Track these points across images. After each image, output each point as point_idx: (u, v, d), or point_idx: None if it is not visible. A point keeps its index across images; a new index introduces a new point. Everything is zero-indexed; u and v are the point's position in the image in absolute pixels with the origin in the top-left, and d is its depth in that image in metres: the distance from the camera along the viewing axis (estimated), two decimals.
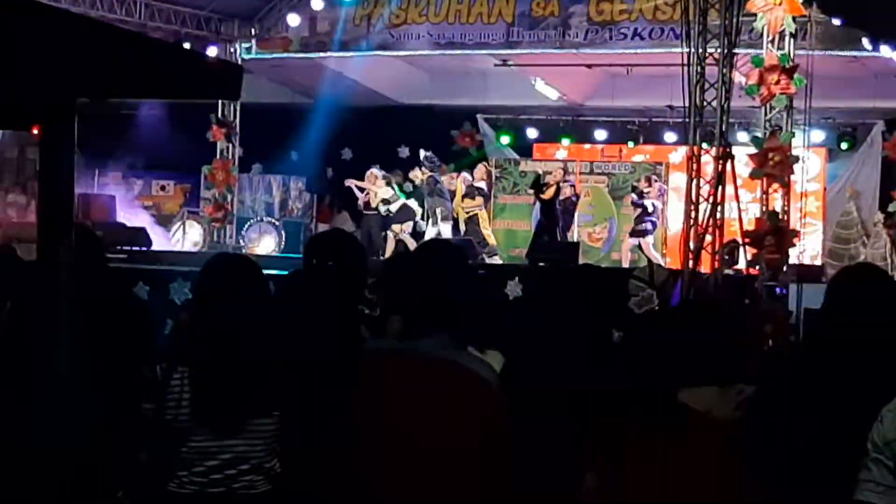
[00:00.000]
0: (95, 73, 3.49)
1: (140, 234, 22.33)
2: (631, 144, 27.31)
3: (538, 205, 23.65)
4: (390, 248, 23.52)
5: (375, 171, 24.29)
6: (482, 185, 24.53)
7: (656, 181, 24.72)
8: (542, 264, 20.49)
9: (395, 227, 23.71)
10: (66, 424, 4.27)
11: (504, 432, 4.65)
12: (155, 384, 5.48)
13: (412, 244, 23.40)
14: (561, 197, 23.52)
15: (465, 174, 25.05)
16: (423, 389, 4.68)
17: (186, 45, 24.88)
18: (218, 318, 5.46)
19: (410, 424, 4.64)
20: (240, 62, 26.40)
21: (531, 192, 24.01)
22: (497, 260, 23.56)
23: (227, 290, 5.50)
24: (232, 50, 26.45)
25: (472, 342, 5.23)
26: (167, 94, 4.34)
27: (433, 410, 4.63)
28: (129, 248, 21.39)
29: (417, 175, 24.48)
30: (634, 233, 23.87)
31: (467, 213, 24.09)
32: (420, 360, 4.72)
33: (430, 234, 23.36)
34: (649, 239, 23.65)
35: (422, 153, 24.71)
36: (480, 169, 24.95)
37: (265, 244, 25.71)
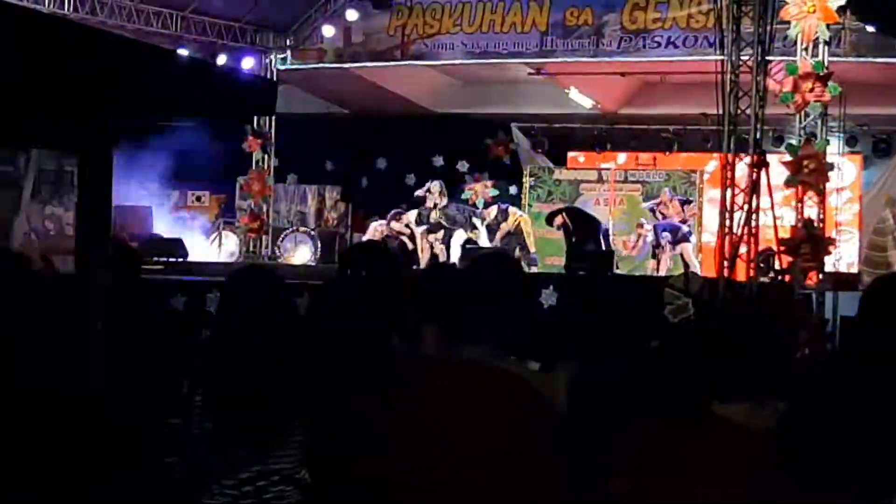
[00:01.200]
0: (133, 94, 3.55)
1: (176, 245, 22.46)
2: (667, 152, 27.27)
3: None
4: (425, 257, 23.60)
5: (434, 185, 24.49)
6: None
7: (673, 197, 24.62)
8: (581, 273, 20.49)
9: (430, 236, 23.80)
10: (95, 435, 4.31)
11: (549, 438, 4.66)
12: (183, 398, 5.52)
13: (445, 253, 23.50)
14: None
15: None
16: (466, 396, 4.70)
17: (222, 57, 25.09)
18: (239, 337, 5.48)
19: (451, 431, 4.66)
20: (275, 73, 26.56)
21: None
22: (534, 269, 23.59)
23: (248, 307, 5.52)
24: (267, 61, 26.57)
25: (515, 353, 5.27)
26: (204, 112, 4.38)
27: (475, 416, 4.65)
28: (165, 259, 21.50)
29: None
30: (677, 241, 23.76)
31: (514, 220, 24.12)
32: (464, 366, 4.75)
33: (460, 239, 23.48)
34: (688, 245, 23.59)
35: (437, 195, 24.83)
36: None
37: (301, 254, 25.78)
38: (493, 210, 24.29)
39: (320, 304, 6.45)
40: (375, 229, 24.62)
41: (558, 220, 23.56)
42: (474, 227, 23.98)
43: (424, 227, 24.03)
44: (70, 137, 3.67)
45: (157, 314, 7.00)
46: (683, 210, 24.51)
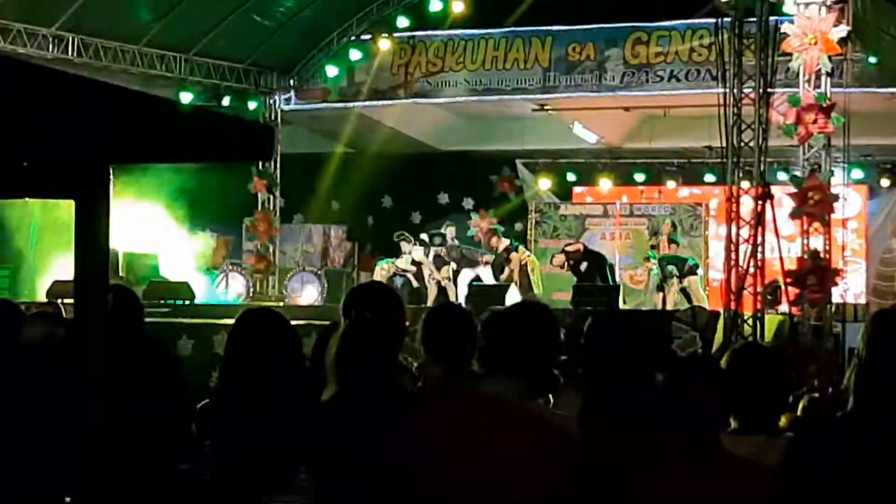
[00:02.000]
0: (128, 140, 3.56)
1: (183, 288, 22.45)
2: (671, 185, 27.27)
3: None
4: (432, 294, 23.62)
5: (405, 244, 24.51)
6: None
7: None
8: (587, 308, 20.46)
9: (439, 273, 23.84)
10: (99, 482, 4.30)
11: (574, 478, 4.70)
12: (191, 443, 5.51)
13: (453, 290, 23.49)
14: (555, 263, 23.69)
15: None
16: (492, 434, 4.74)
17: (227, 99, 25.18)
18: (245, 385, 5.46)
19: (477, 466, 4.69)
20: (279, 113, 26.67)
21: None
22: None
23: (254, 350, 5.51)
24: (271, 102, 26.68)
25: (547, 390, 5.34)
26: (199, 157, 4.39)
27: (499, 452, 4.69)
28: (172, 302, 21.51)
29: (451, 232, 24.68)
30: (685, 273, 23.70)
31: (521, 261, 24.13)
32: (489, 403, 4.79)
33: (467, 277, 23.49)
34: (695, 278, 23.55)
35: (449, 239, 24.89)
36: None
37: (308, 294, 25.77)
38: (502, 246, 24.28)
39: (324, 346, 6.42)
40: (381, 269, 24.65)
41: (558, 258, 23.59)
42: (478, 265, 23.99)
43: (432, 263, 24.03)
44: (65, 185, 3.68)
45: (163, 359, 6.96)
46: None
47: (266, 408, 5.43)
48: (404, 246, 24.33)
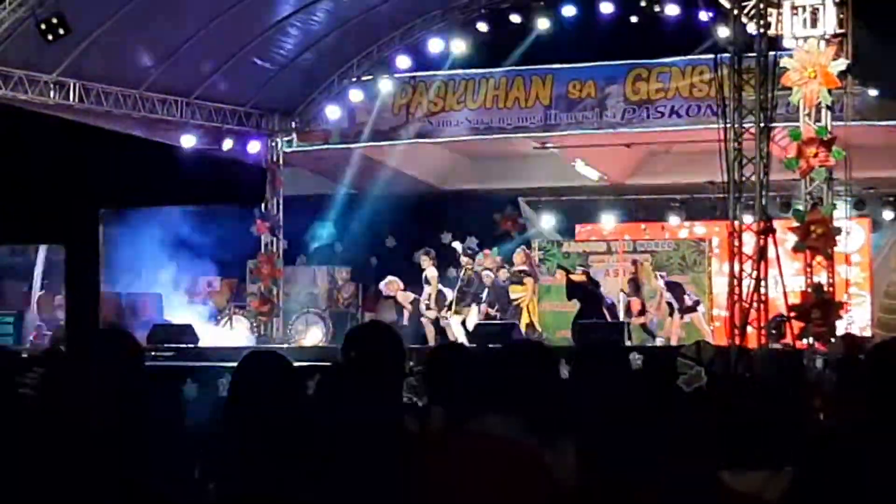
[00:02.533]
0: (117, 184, 3.56)
1: (187, 332, 22.44)
2: (674, 221, 27.24)
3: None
4: (430, 333, 23.64)
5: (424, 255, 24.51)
6: (523, 267, 24.49)
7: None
8: (590, 346, 20.43)
9: (430, 312, 23.86)
10: None
11: None
12: (195, 486, 5.48)
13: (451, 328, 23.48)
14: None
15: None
16: (485, 471, 4.72)
17: (228, 141, 25.23)
18: (247, 429, 5.43)
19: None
20: (281, 156, 26.73)
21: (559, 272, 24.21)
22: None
23: (257, 393, 5.49)
24: (273, 144, 26.75)
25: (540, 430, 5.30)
26: (190, 200, 4.40)
27: (495, 492, 4.66)
28: (176, 345, 21.49)
29: (467, 262, 24.60)
30: (685, 310, 23.68)
31: (515, 301, 24.10)
32: (486, 441, 4.78)
33: (472, 318, 23.47)
34: (699, 312, 23.53)
35: (458, 245, 24.89)
36: (519, 254, 24.86)
37: (312, 335, 25.75)
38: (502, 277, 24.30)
39: (326, 388, 6.40)
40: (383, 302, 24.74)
41: (579, 275, 23.58)
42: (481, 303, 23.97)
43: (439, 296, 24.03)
44: (54, 230, 3.68)
45: (164, 402, 6.91)
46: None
47: (267, 451, 5.41)
48: (424, 261, 24.31)
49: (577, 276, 23.50)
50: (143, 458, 5.94)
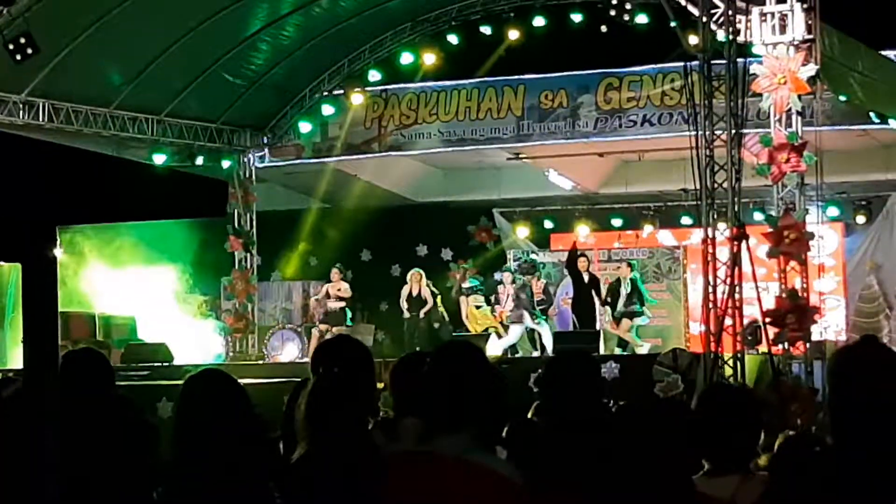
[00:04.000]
0: (74, 200, 3.51)
1: (161, 350, 22.35)
2: (649, 229, 27.27)
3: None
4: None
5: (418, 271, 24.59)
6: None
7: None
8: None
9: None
10: None
11: None
12: None
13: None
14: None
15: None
16: (443, 491, 4.65)
17: (200, 158, 25.15)
18: (196, 449, 5.35)
19: None
20: (253, 171, 26.66)
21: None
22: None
23: (205, 417, 5.38)
24: (245, 160, 26.67)
25: (496, 443, 5.23)
26: (149, 215, 4.34)
27: None
28: (150, 364, 21.39)
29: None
30: (627, 314, 23.58)
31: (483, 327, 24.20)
32: (439, 461, 4.70)
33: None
34: (637, 321, 23.46)
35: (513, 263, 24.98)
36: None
37: (288, 351, 25.66)
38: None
39: (295, 404, 6.34)
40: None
41: (583, 261, 23.51)
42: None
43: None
44: (10, 248, 3.62)
45: (133, 422, 6.83)
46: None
47: (224, 473, 5.33)
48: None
49: (582, 263, 23.39)
50: (107, 479, 5.89)
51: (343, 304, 24.42)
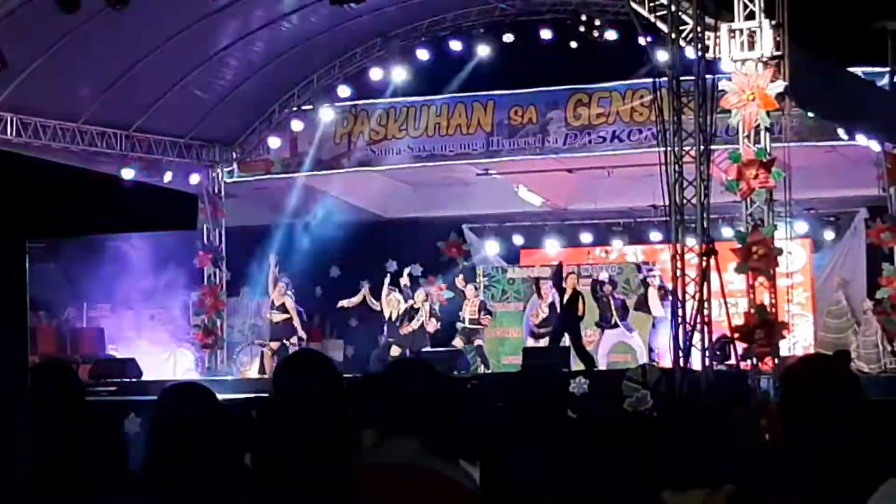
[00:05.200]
0: (43, 213, 3.49)
1: (130, 365, 22.26)
2: (617, 245, 27.33)
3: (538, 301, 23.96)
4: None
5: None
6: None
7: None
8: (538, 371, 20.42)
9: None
10: None
11: None
12: None
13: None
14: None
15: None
16: (400, 498, 4.66)
17: (168, 174, 25.07)
18: (170, 464, 5.32)
19: None
20: (222, 186, 26.61)
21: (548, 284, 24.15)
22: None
23: (179, 430, 5.35)
24: (214, 175, 26.61)
25: (448, 451, 5.21)
26: (120, 228, 4.33)
27: None
28: (119, 379, 21.30)
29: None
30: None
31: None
32: (393, 468, 4.71)
33: None
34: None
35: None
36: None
37: (257, 367, 25.60)
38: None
39: (262, 420, 6.31)
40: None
41: (572, 279, 23.47)
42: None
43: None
44: None
45: (106, 435, 6.80)
46: None
47: (195, 489, 5.30)
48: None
49: (571, 281, 23.36)
50: (82, 492, 5.85)
51: (288, 315, 24.33)
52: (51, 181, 3.53)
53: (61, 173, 3.58)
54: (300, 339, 24.25)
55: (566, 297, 23.01)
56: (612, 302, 24.14)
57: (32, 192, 3.38)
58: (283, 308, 24.30)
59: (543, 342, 23.43)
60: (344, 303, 24.91)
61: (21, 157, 3.57)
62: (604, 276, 25.08)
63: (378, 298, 24.40)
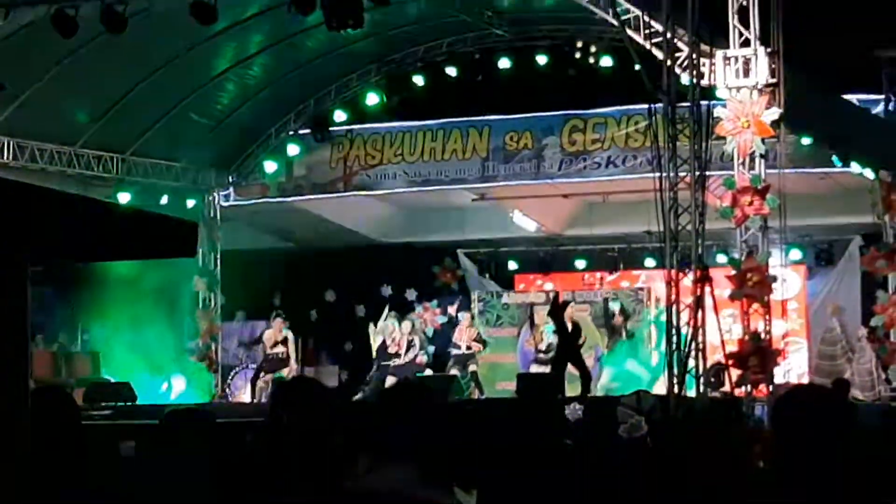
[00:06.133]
0: (44, 239, 3.51)
1: (125, 389, 22.23)
2: (613, 275, 27.37)
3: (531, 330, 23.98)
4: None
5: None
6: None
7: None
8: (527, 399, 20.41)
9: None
10: None
11: None
12: None
13: None
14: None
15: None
16: None
17: (165, 197, 25.06)
18: (175, 483, 5.35)
19: None
20: (218, 210, 26.61)
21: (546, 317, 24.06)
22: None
23: (182, 452, 5.40)
24: (210, 199, 26.62)
25: (443, 478, 5.20)
26: (121, 255, 4.35)
27: None
28: (114, 403, 21.27)
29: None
30: None
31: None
32: (387, 495, 4.71)
33: None
34: None
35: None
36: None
37: (251, 391, 25.54)
38: None
39: (257, 447, 6.33)
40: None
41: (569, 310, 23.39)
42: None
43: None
44: None
45: (102, 458, 6.80)
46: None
47: None
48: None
49: (570, 313, 23.26)
50: None
51: (284, 349, 24.27)
52: (52, 208, 3.56)
53: (62, 200, 3.61)
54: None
55: (568, 326, 22.91)
56: (623, 332, 24.20)
57: (35, 218, 3.41)
58: (283, 342, 24.28)
59: (546, 368, 23.36)
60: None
61: (24, 184, 3.60)
62: (615, 306, 25.09)
63: (377, 324, 24.44)
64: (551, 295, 25.18)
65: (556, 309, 23.17)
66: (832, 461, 4.71)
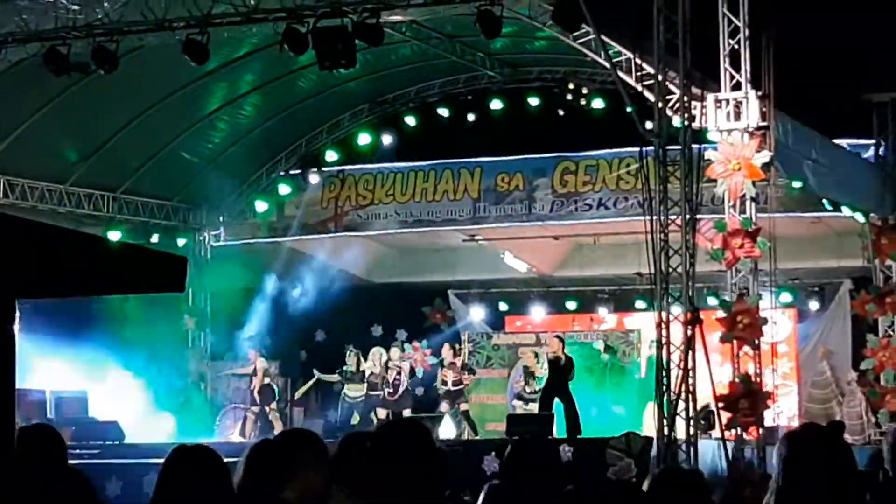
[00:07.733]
0: (33, 274, 3.49)
1: (112, 428, 22.13)
2: (602, 312, 27.33)
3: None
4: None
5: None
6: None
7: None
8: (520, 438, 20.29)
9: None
10: None
11: None
12: None
13: None
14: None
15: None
16: None
17: (155, 236, 25.05)
18: None
19: None
20: (209, 249, 26.58)
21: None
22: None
23: (184, 490, 5.35)
24: (201, 238, 26.59)
25: None
26: (110, 290, 4.33)
27: None
28: (101, 442, 21.17)
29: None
30: None
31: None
32: None
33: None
34: None
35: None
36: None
37: (239, 430, 25.46)
38: None
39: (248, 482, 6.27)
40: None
41: (554, 343, 23.22)
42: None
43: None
44: None
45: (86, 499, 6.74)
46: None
47: None
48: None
49: (555, 346, 23.11)
50: None
51: (269, 380, 24.44)
52: (41, 242, 3.53)
53: (51, 234, 3.59)
54: (279, 403, 24.45)
55: (558, 360, 22.80)
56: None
57: (22, 253, 3.39)
58: (264, 373, 24.41)
59: (533, 406, 23.29)
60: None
61: (13, 217, 3.58)
62: (598, 345, 25.12)
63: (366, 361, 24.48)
64: (542, 336, 25.18)
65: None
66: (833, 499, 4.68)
